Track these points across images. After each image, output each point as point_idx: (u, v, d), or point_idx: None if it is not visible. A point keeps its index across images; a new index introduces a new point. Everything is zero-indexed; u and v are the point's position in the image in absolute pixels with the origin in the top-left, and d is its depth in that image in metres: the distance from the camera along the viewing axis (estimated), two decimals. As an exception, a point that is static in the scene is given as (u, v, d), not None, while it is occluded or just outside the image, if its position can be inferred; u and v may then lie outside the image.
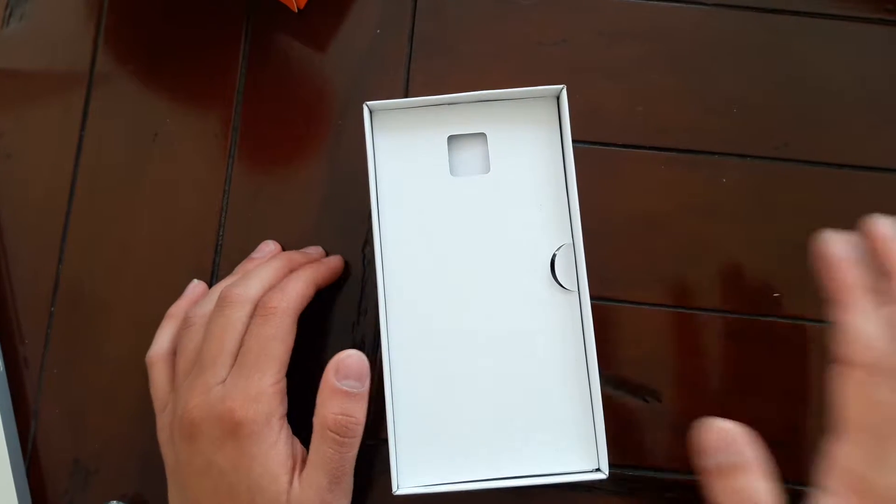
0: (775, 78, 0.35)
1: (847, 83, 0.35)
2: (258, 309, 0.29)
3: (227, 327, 0.29)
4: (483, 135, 0.31)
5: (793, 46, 0.36)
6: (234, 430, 0.26)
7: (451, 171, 0.31)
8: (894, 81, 0.35)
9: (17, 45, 0.37)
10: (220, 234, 0.35)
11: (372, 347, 0.34)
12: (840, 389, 0.24)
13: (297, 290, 0.30)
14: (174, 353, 0.31)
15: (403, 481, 0.29)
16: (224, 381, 0.28)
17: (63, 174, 0.36)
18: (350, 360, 0.27)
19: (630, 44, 0.36)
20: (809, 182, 0.35)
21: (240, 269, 0.33)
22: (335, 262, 0.33)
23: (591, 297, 0.34)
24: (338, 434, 0.27)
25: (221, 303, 0.29)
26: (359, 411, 0.27)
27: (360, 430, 0.27)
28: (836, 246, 0.26)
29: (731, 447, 0.25)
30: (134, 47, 0.36)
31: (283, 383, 0.28)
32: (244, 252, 0.34)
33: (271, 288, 0.30)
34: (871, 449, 0.23)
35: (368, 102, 0.30)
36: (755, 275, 0.34)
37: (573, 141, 0.35)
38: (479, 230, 0.30)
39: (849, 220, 0.34)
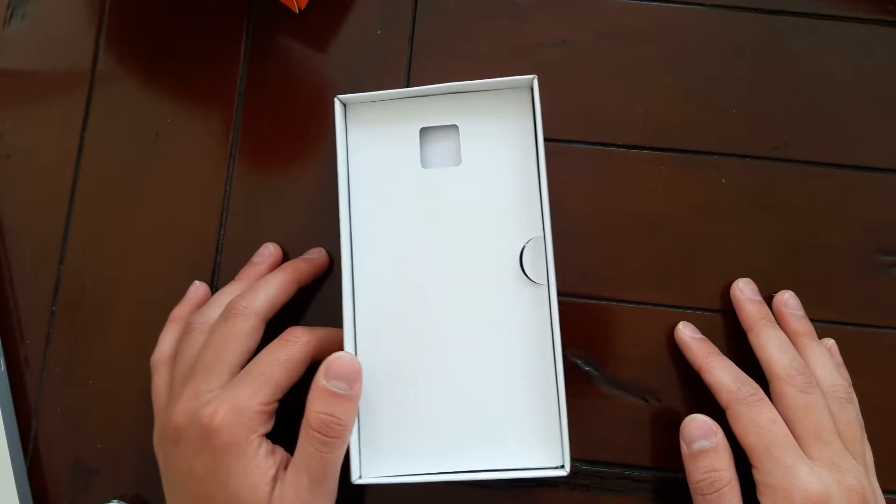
0: (775, 78, 0.35)
1: (847, 83, 0.35)
2: (284, 333, 0.29)
3: (229, 337, 0.29)
4: (455, 127, 0.31)
5: (792, 47, 0.36)
6: (211, 437, 0.26)
7: (423, 163, 0.31)
8: (894, 81, 0.35)
9: (19, 45, 0.37)
10: (221, 233, 0.35)
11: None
12: (734, 427, 0.30)
13: (328, 337, 0.30)
14: (176, 357, 0.31)
15: (364, 471, 0.29)
16: (215, 390, 0.28)
17: (64, 174, 0.36)
18: (341, 361, 0.27)
19: (629, 44, 0.36)
20: (809, 182, 0.35)
21: (242, 276, 0.33)
22: (324, 260, 0.34)
23: (592, 297, 0.34)
24: (321, 434, 0.26)
25: (227, 313, 0.29)
26: (344, 413, 0.27)
27: (344, 431, 0.27)
28: (686, 332, 0.33)
29: (706, 435, 0.29)
30: (135, 47, 0.37)
31: (274, 406, 0.28)
32: (245, 251, 0.34)
33: (277, 301, 0.30)
34: (771, 466, 0.28)
35: (340, 96, 0.30)
36: (755, 275, 0.34)
37: (573, 141, 0.35)
38: (449, 222, 0.30)
39: (849, 220, 0.34)
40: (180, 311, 0.33)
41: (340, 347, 0.31)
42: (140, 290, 0.35)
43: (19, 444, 0.34)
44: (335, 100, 0.30)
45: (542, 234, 0.30)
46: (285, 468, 0.27)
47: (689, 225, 0.34)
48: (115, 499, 0.33)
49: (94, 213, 0.35)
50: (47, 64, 0.37)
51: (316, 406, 0.26)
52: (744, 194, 0.35)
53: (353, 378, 0.27)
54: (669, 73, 0.35)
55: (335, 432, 0.26)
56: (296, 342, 0.29)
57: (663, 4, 0.36)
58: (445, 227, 0.30)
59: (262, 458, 0.27)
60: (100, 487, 0.34)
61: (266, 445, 0.27)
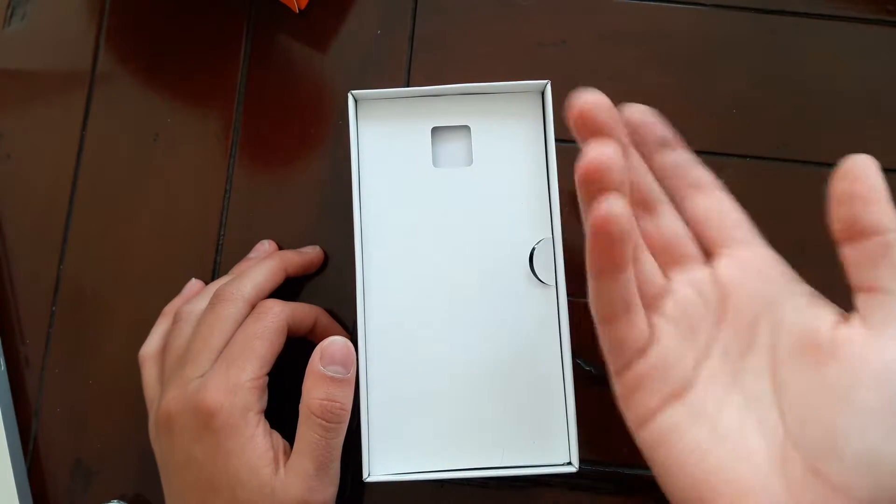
0: (775, 78, 0.35)
1: (847, 83, 0.35)
2: (255, 308, 0.29)
3: (216, 324, 0.29)
4: (467, 127, 0.31)
5: (793, 47, 0.36)
6: (207, 421, 0.27)
7: (434, 163, 0.31)
8: (894, 81, 0.35)
9: (19, 45, 0.37)
10: (221, 233, 0.35)
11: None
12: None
13: (300, 309, 0.30)
14: (165, 349, 0.31)
15: (375, 468, 0.29)
16: (204, 374, 0.28)
17: (64, 174, 0.36)
18: (334, 346, 0.27)
19: (630, 44, 0.36)
20: (809, 182, 0.35)
21: (235, 270, 0.33)
22: (317, 257, 0.34)
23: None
24: (323, 419, 0.27)
25: (214, 300, 0.30)
26: (344, 397, 0.27)
27: (345, 415, 0.27)
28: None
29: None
30: (135, 47, 0.37)
31: (263, 380, 0.28)
32: (245, 251, 0.34)
33: (264, 287, 0.30)
34: None
35: (353, 91, 0.30)
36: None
37: (574, 141, 0.35)
38: (459, 222, 0.30)
39: (849, 220, 0.34)
40: (172, 306, 0.33)
41: (312, 319, 0.31)
42: (140, 290, 0.35)
43: (19, 444, 0.34)
44: (349, 94, 0.30)
45: (551, 235, 0.30)
46: (285, 453, 0.28)
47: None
48: (115, 499, 0.33)
49: (94, 213, 0.35)
50: (48, 64, 0.37)
51: (315, 392, 0.27)
52: (744, 194, 0.34)
53: (349, 361, 0.27)
54: (669, 74, 0.35)
55: (338, 417, 0.27)
56: (268, 313, 0.29)
57: (663, 4, 0.36)
58: (456, 227, 0.30)
59: (260, 439, 0.27)
60: (100, 487, 0.34)
61: (263, 425, 0.28)
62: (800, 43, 0.36)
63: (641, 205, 0.27)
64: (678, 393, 0.24)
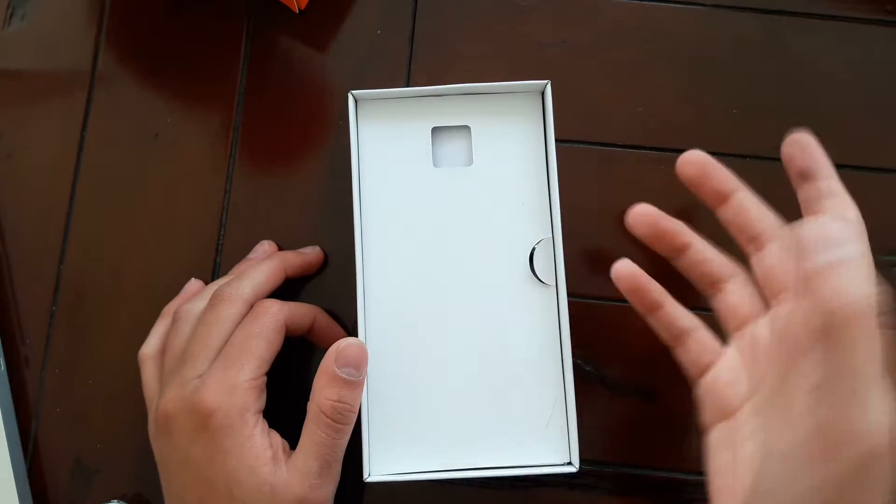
0: (775, 78, 0.35)
1: (847, 83, 0.35)
2: (253, 308, 0.30)
3: (215, 324, 0.29)
4: (467, 127, 0.31)
5: (793, 47, 0.36)
6: (205, 421, 0.27)
7: (434, 163, 0.31)
8: (894, 81, 0.35)
9: (19, 45, 0.37)
10: (221, 233, 0.35)
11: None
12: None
13: (298, 308, 0.30)
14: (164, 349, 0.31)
15: (375, 468, 0.29)
16: (202, 375, 0.28)
17: (64, 174, 0.36)
18: (350, 348, 0.27)
19: (630, 44, 0.36)
20: (809, 182, 0.35)
21: (235, 270, 0.33)
22: (316, 257, 0.34)
23: (593, 297, 0.34)
24: (333, 420, 0.27)
25: (213, 300, 0.30)
26: (354, 399, 0.27)
27: (354, 417, 0.27)
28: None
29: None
30: (135, 47, 0.37)
31: (262, 380, 0.28)
32: (245, 252, 0.34)
33: (263, 288, 0.30)
34: None
35: (354, 91, 0.30)
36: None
37: (573, 141, 0.35)
38: (459, 222, 0.30)
39: (849, 220, 0.34)
40: (172, 306, 0.33)
41: (310, 319, 0.31)
42: (140, 290, 0.35)
43: (19, 444, 0.34)
44: (349, 94, 0.30)
45: (551, 235, 0.30)
46: (284, 452, 0.28)
47: (690, 225, 0.34)
48: (115, 499, 0.33)
49: (94, 213, 0.35)
50: (47, 64, 0.37)
51: (328, 393, 0.27)
52: (744, 194, 0.35)
53: (362, 364, 0.27)
54: (670, 74, 0.35)
55: (347, 419, 0.27)
56: (266, 313, 0.29)
57: (663, 4, 0.36)
58: (456, 227, 0.30)
59: (258, 438, 0.27)
60: (100, 487, 0.34)
61: (261, 424, 0.28)
62: (800, 43, 0.36)
63: (751, 242, 0.29)
64: (725, 415, 0.27)
